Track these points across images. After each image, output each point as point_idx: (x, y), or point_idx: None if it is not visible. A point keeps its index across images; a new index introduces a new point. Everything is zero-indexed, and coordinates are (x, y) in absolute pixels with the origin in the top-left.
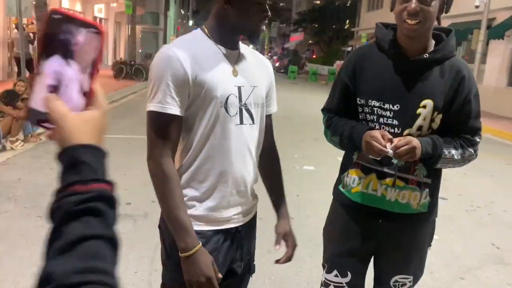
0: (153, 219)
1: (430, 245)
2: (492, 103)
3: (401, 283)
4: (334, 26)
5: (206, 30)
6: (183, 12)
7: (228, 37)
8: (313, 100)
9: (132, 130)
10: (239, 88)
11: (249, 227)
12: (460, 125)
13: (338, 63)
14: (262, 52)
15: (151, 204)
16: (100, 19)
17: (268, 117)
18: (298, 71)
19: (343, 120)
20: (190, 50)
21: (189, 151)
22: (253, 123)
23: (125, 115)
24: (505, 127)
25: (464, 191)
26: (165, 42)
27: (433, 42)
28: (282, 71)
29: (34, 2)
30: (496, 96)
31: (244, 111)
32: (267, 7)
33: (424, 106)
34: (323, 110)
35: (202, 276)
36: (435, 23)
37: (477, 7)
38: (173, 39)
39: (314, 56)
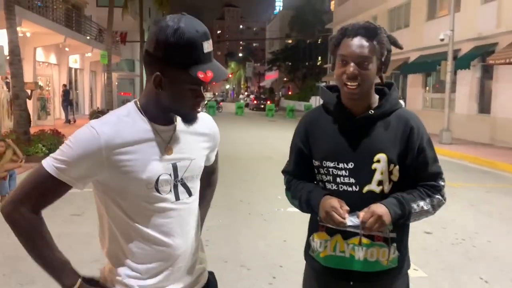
0: None
1: None
2: (465, 130)
3: None
4: (307, 63)
5: (138, 105)
6: None
7: (160, 115)
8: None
9: None
10: (174, 164)
11: None
12: (420, 173)
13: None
14: (239, 92)
15: None
16: (75, 69)
17: (212, 166)
18: (275, 108)
19: (302, 183)
20: (117, 132)
21: (120, 231)
22: (190, 195)
23: None
24: (480, 153)
25: (447, 224)
26: (141, 87)
27: (377, 97)
28: (262, 107)
29: (8, 58)
30: (469, 123)
31: (179, 186)
32: (202, 91)
33: (378, 161)
34: (283, 172)
35: None
36: (379, 80)
37: (442, 40)
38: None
39: (289, 93)
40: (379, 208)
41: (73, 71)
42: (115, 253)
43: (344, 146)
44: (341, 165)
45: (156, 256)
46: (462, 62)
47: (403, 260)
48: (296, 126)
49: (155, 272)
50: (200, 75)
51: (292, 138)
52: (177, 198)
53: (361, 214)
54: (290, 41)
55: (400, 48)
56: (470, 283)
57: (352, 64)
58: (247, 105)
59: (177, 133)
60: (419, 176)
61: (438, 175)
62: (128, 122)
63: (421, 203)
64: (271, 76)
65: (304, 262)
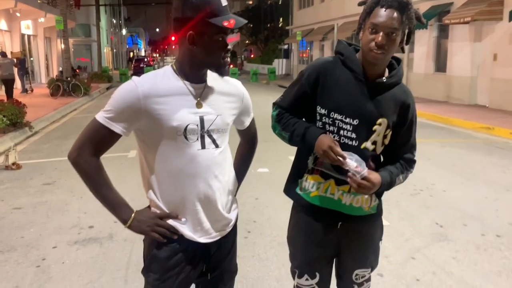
0: (119, 240)
1: (381, 239)
2: (422, 89)
3: (361, 275)
4: (268, 25)
5: (174, 67)
6: (114, 21)
7: (193, 73)
8: (258, 101)
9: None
10: (201, 117)
11: (223, 243)
12: (403, 141)
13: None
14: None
15: (114, 224)
16: (29, 36)
17: (248, 128)
18: (238, 72)
19: (295, 119)
20: (153, 85)
21: (154, 173)
22: (217, 147)
23: (70, 135)
24: (436, 110)
25: None
26: (100, 53)
27: (386, 68)
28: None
29: None
30: (426, 82)
31: (206, 137)
32: (226, 42)
33: (380, 124)
34: (274, 104)
35: (148, 226)
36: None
37: None
38: (107, 49)
39: (252, 56)
40: (377, 182)
41: (26, 37)
42: (151, 196)
43: (354, 103)
44: (347, 120)
45: (181, 196)
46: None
47: (380, 208)
48: (307, 69)
49: (181, 212)
50: (225, 23)
51: (297, 78)
52: (203, 146)
53: (368, 172)
54: (250, 2)
55: (423, 23)
56: (427, 228)
57: (381, 33)
58: None
59: (207, 90)
60: (402, 144)
61: (414, 147)
62: (163, 78)
63: (400, 176)
64: (233, 39)
65: (275, 216)
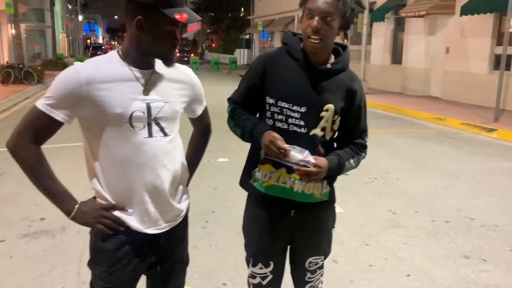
0: (72, 231)
1: (334, 227)
2: (379, 80)
3: (314, 263)
4: (230, 15)
5: (120, 52)
6: (70, 7)
7: (141, 59)
8: (219, 91)
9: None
10: (148, 104)
11: (173, 234)
12: (353, 127)
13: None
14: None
15: None
16: None
17: (200, 117)
18: (199, 61)
19: (247, 114)
20: (96, 71)
21: (98, 162)
22: (165, 135)
23: None
24: (392, 101)
25: (362, 165)
26: (54, 40)
27: (332, 55)
28: (186, 59)
29: None
30: (383, 74)
31: (153, 125)
32: (177, 34)
33: (327, 110)
34: (229, 99)
35: (93, 217)
36: (343, 38)
37: None
38: (62, 36)
39: (213, 45)
40: (325, 166)
41: None
42: (96, 186)
43: (300, 91)
44: (295, 108)
45: (128, 185)
46: (377, 15)
47: (333, 195)
48: (254, 61)
49: (129, 202)
50: (177, 16)
51: (247, 71)
52: (150, 134)
53: (313, 159)
54: None
55: (363, 8)
56: (381, 215)
57: (317, 18)
58: None
59: (155, 76)
60: (352, 129)
61: (365, 132)
62: (108, 64)
63: (351, 161)
64: (194, 28)
65: (234, 206)
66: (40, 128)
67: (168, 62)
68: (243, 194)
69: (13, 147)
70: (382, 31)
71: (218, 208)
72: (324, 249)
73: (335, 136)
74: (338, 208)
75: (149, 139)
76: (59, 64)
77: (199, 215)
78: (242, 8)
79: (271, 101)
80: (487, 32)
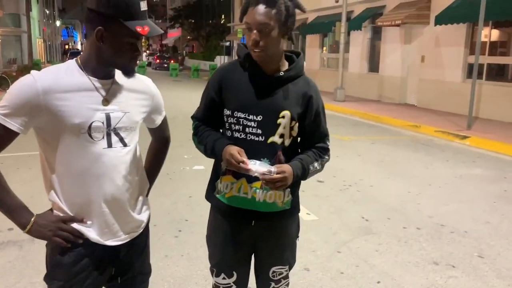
0: (41, 242)
1: (298, 236)
2: (356, 88)
3: (278, 272)
4: (210, 21)
5: (79, 62)
6: (48, 12)
7: (100, 69)
8: (198, 98)
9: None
10: (108, 114)
11: (134, 245)
12: (313, 132)
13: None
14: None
15: None
16: None
17: (159, 127)
18: (179, 68)
19: (208, 131)
20: (54, 80)
21: (55, 173)
22: (125, 145)
23: None
24: (369, 109)
25: (337, 172)
26: (30, 45)
27: (285, 62)
28: (166, 66)
29: None
30: (360, 81)
31: (113, 135)
32: (138, 46)
33: (283, 117)
34: (192, 117)
35: (50, 230)
36: (290, 43)
37: (337, 1)
38: (39, 41)
39: (194, 52)
40: (288, 170)
41: None
42: (53, 198)
43: (255, 101)
44: (251, 117)
45: (86, 197)
46: (354, 24)
47: (296, 203)
48: (212, 76)
49: (87, 214)
50: (138, 28)
51: (205, 86)
52: (110, 145)
53: (274, 168)
54: None
55: (303, 11)
56: (354, 222)
57: (254, 31)
58: (149, 64)
59: (114, 87)
60: (312, 134)
61: (326, 136)
62: (67, 73)
63: (315, 164)
64: (174, 34)
65: (208, 216)
66: None
67: (128, 74)
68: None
69: None
70: (360, 40)
71: (191, 217)
72: (288, 259)
73: (297, 142)
74: (312, 216)
75: (108, 150)
76: (36, 70)
77: (172, 224)
78: (223, 15)
79: (228, 112)
80: (460, 42)
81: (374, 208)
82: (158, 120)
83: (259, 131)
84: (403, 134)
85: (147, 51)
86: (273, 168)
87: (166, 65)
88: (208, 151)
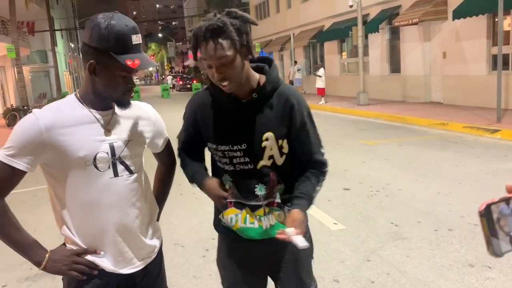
0: None
1: (312, 257)
2: (379, 91)
3: None
4: None
5: (78, 96)
6: (72, 46)
7: (99, 101)
8: None
9: (37, 180)
10: (111, 144)
11: (149, 270)
12: (304, 144)
13: None
14: (162, 73)
15: None
16: None
17: (163, 151)
18: (202, 87)
19: (189, 160)
20: (55, 116)
21: (65, 207)
22: (131, 173)
23: None
24: (393, 110)
25: (364, 179)
26: (58, 79)
27: (257, 77)
28: (189, 87)
29: None
30: (382, 83)
31: (118, 164)
32: (131, 79)
33: (267, 139)
34: (177, 149)
35: (65, 265)
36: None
37: (351, 6)
38: (66, 74)
39: None
40: (298, 216)
41: None
42: (66, 232)
43: (235, 130)
44: (235, 147)
45: (97, 228)
46: (371, 26)
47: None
48: (186, 108)
49: (101, 245)
50: (128, 62)
51: (183, 117)
52: (116, 174)
53: (288, 228)
54: None
55: (255, 24)
56: (383, 229)
57: (214, 69)
58: (173, 86)
59: (115, 117)
60: (303, 146)
61: (319, 143)
62: (67, 108)
63: (317, 188)
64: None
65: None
66: (2, 179)
67: (122, 106)
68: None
69: None
70: (378, 42)
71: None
72: (305, 281)
73: (291, 157)
74: (339, 225)
75: (115, 179)
76: None
77: (199, 243)
78: None
79: (213, 146)
80: (481, 34)
81: (403, 212)
82: (162, 144)
83: (247, 159)
84: (430, 133)
85: (171, 74)
86: (287, 229)
87: (189, 86)
88: (190, 179)
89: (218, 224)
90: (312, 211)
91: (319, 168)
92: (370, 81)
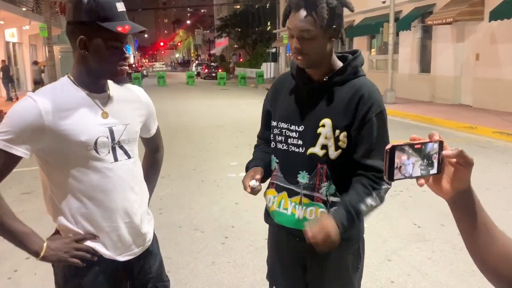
0: None
1: (358, 268)
2: (407, 90)
3: None
4: (256, 29)
5: (72, 77)
6: None
7: (93, 82)
8: (245, 105)
9: None
10: (111, 128)
11: (146, 256)
12: (361, 142)
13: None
14: (189, 61)
15: None
16: (13, 44)
17: (154, 136)
18: (228, 76)
19: (258, 150)
20: (54, 99)
21: (63, 194)
22: (129, 157)
23: None
24: (421, 110)
25: None
26: None
27: (338, 64)
28: (214, 75)
29: None
30: (411, 82)
31: (117, 149)
32: (124, 49)
33: (323, 126)
34: (258, 137)
35: (65, 252)
36: (341, 44)
37: (383, 2)
38: None
39: (241, 60)
40: (323, 222)
41: (10, 45)
42: (62, 222)
43: (297, 110)
44: (293, 127)
45: (98, 214)
46: (403, 24)
47: (350, 233)
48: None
49: (99, 229)
50: (119, 28)
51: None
52: (116, 159)
53: (309, 227)
54: (238, 6)
55: (351, 10)
56: (405, 229)
57: (295, 38)
58: (198, 74)
59: (111, 99)
60: (361, 145)
61: (379, 149)
62: (63, 91)
63: (369, 200)
64: (221, 43)
65: (254, 221)
66: (1, 168)
67: (118, 81)
68: (264, 209)
69: None
70: (409, 40)
71: (238, 224)
72: None
73: (350, 154)
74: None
75: (115, 164)
76: None
77: (219, 230)
78: (269, 22)
79: (274, 123)
80: None
81: (427, 214)
82: (153, 128)
83: (300, 142)
84: (457, 136)
85: (196, 62)
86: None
87: (214, 74)
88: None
89: (267, 215)
90: None
91: (372, 176)
92: (398, 80)
